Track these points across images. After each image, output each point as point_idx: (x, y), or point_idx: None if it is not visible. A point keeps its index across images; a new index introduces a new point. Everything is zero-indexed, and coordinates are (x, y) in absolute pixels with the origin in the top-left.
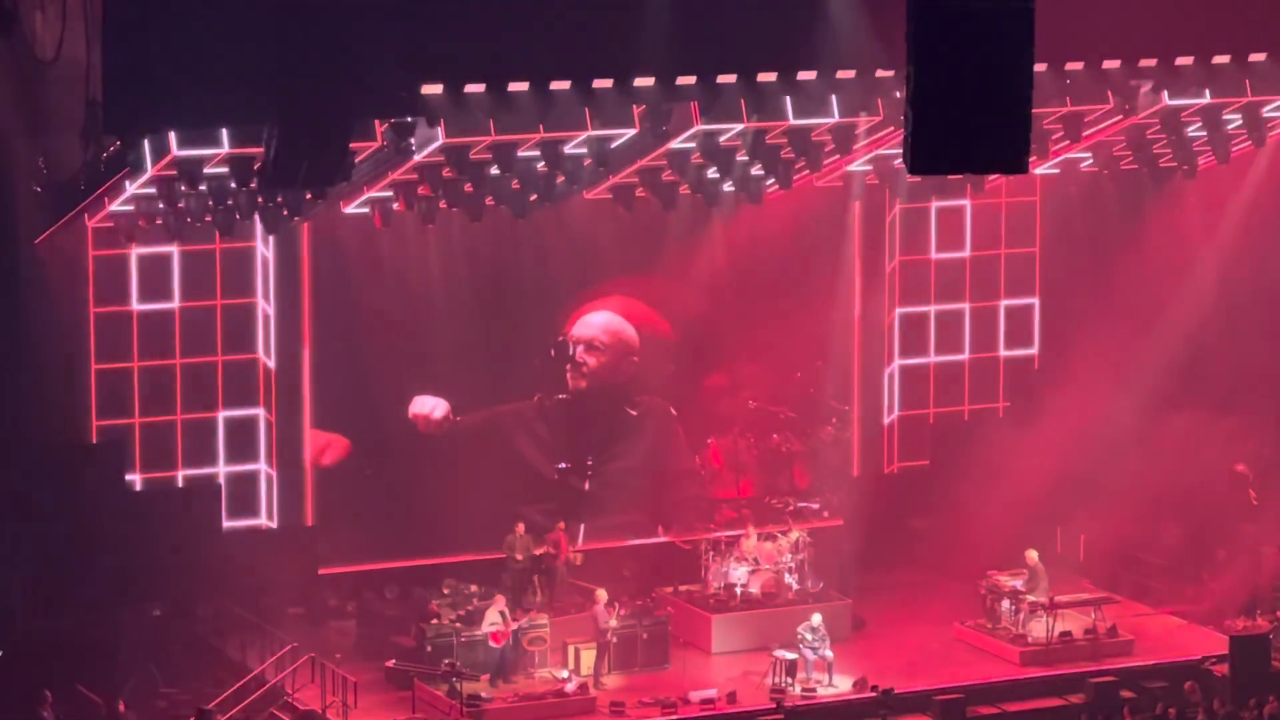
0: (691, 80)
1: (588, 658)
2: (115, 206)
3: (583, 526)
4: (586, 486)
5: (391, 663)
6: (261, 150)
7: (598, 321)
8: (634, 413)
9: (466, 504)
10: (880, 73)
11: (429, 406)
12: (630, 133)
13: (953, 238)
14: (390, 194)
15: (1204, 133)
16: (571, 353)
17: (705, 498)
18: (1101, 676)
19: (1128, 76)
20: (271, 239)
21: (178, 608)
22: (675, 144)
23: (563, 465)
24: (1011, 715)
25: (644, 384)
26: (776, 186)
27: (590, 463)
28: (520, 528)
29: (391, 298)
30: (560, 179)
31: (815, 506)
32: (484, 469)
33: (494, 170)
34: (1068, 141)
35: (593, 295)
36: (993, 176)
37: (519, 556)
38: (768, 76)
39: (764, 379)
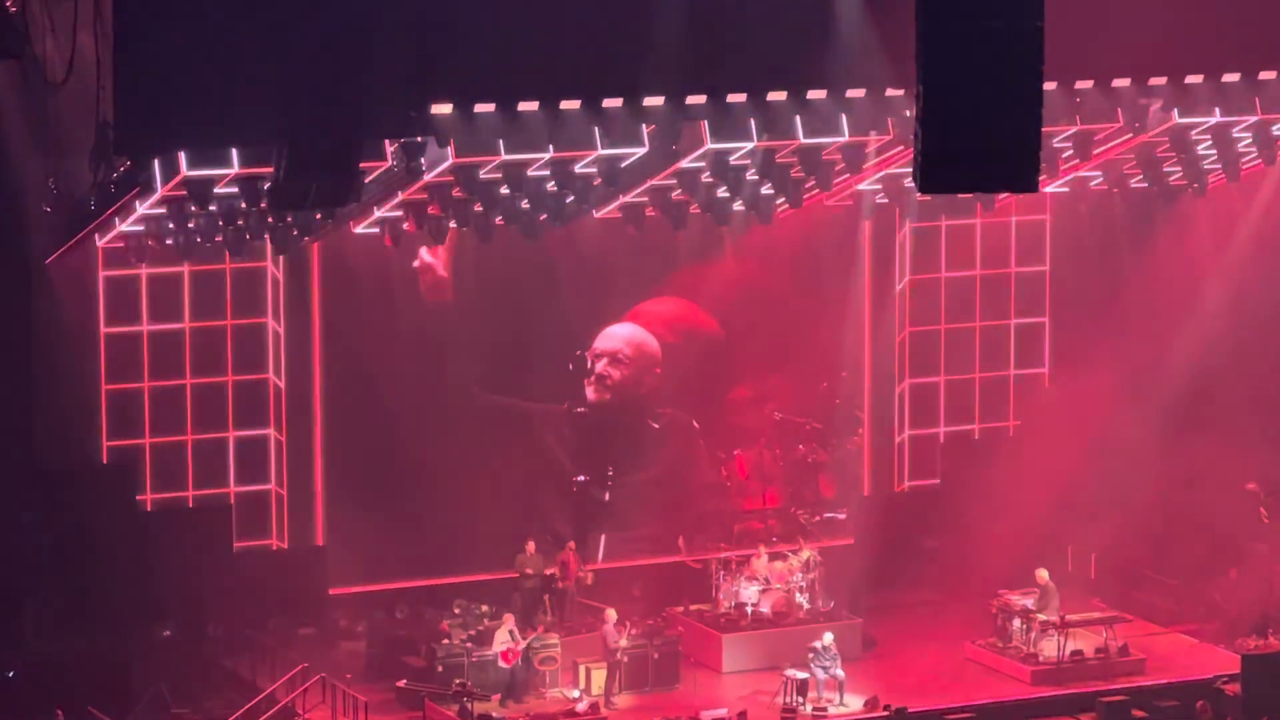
0: (702, 99)
1: (598, 677)
2: (125, 227)
3: (603, 538)
4: (607, 497)
5: (402, 683)
6: (271, 170)
7: (621, 334)
8: (656, 425)
9: (478, 522)
10: (890, 91)
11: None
12: (640, 152)
13: (963, 256)
14: (400, 214)
15: (1214, 151)
16: (590, 366)
17: (727, 510)
18: (1113, 696)
19: (1138, 95)
20: (282, 259)
21: (188, 628)
22: (685, 163)
23: (581, 478)
24: None
25: (668, 395)
26: (787, 205)
27: (611, 473)
28: (531, 546)
29: (402, 317)
30: (570, 198)
31: (841, 517)
32: (506, 473)
33: (504, 190)
34: (1077, 160)
35: (641, 299)
36: (1003, 195)
37: (529, 573)
38: (778, 95)
39: (788, 391)
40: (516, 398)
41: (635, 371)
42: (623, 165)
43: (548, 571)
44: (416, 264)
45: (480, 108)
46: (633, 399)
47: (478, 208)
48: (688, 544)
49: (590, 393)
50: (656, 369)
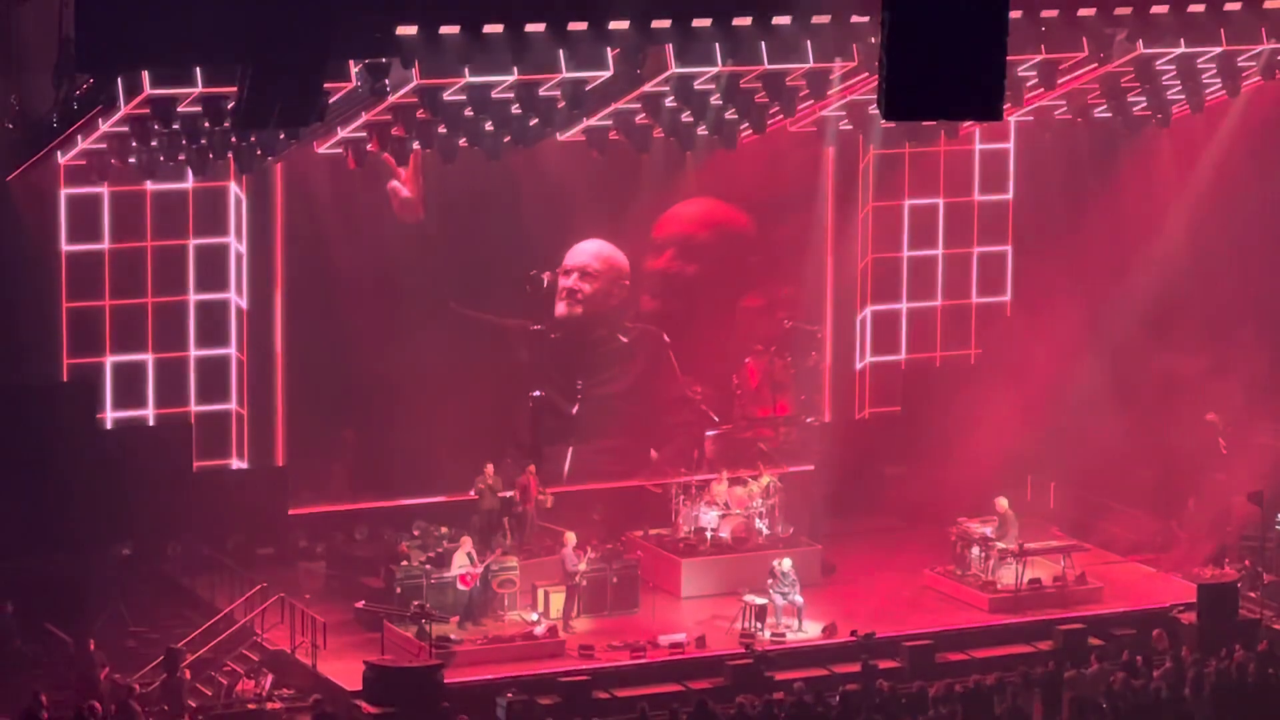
0: (666, 23)
1: (557, 601)
2: (88, 144)
3: (569, 451)
4: (575, 410)
5: (361, 604)
6: (235, 89)
7: (589, 249)
8: (625, 339)
9: (440, 444)
10: (855, 18)
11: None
12: (605, 75)
13: (926, 184)
14: (364, 134)
15: (1178, 81)
16: (556, 282)
17: (697, 425)
18: (1070, 624)
19: (1103, 24)
20: (244, 178)
21: (148, 547)
22: (649, 87)
23: (537, 393)
24: (980, 662)
25: (636, 310)
26: (750, 131)
27: (580, 386)
28: (489, 469)
29: (364, 238)
30: (534, 121)
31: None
32: (470, 394)
33: (468, 112)
34: (1042, 89)
35: (604, 222)
36: (967, 123)
37: (489, 494)
38: (743, 20)
39: (800, 299)
40: (464, 336)
41: (605, 285)
42: (587, 88)
43: (505, 495)
44: (390, 186)
45: (445, 29)
46: (602, 313)
47: (441, 129)
48: (659, 453)
49: (561, 308)
50: (625, 281)
